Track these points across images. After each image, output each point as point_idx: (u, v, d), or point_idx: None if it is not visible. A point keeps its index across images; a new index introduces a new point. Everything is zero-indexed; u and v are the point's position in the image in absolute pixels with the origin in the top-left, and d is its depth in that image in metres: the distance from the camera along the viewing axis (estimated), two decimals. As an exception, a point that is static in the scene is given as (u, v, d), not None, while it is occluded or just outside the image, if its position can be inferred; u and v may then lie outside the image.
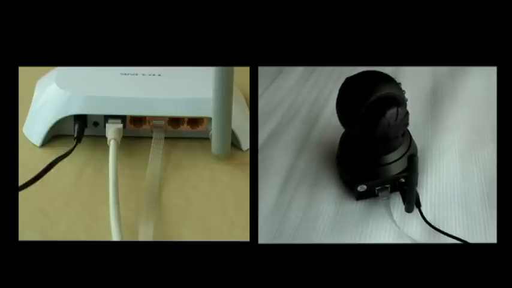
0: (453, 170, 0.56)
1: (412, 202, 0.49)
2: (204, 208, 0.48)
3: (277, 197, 0.56)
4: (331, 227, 0.51)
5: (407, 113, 0.49)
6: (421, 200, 0.50)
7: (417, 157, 0.47)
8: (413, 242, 0.48)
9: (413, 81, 0.74)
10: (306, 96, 0.76)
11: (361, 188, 0.52)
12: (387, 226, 0.50)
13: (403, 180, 0.51)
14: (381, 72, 0.52)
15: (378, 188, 0.52)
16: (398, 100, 0.49)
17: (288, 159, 0.62)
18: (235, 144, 0.53)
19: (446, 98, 0.69)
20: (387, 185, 0.52)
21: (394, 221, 0.50)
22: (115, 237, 0.43)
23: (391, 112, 0.48)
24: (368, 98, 0.49)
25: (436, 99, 0.70)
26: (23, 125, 0.53)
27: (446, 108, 0.67)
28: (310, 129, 0.68)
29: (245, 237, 0.46)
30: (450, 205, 0.52)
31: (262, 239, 0.51)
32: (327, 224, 0.52)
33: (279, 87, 0.80)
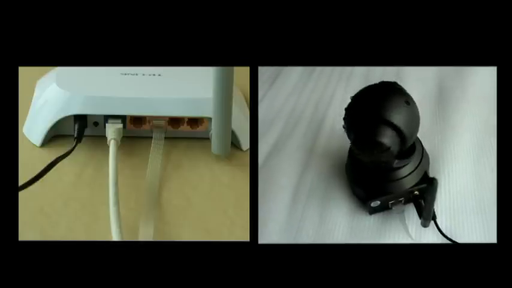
0: (466, 174, 0.55)
1: (428, 219, 0.48)
2: (204, 208, 0.48)
3: (287, 214, 0.54)
4: (347, 241, 0.50)
5: (387, 149, 0.47)
6: (436, 208, 0.49)
7: (437, 180, 0.45)
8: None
9: (419, 79, 0.72)
10: (307, 101, 0.73)
11: (375, 203, 0.50)
12: (404, 239, 0.49)
13: (417, 193, 0.49)
14: (397, 91, 0.49)
15: (391, 202, 0.50)
16: (387, 131, 0.47)
17: (295, 173, 0.60)
18: (235, 144, 0.53)
19: (454, 98, 0.67)
20: (401, 199, 0.50)
21: (410, 236, 0.49)
22: (115, 237, 0.43)
23: (369, 152, 0.47)
24: (360, 115, 0.48)
25: (443, 99, 0.67)
26: (23, 125, 0.53)
27: (455, 108, 0.65)
28: (315, 137, 0.65)
29: (245, 237, 0.46)
30: (466, 211, 0.51)
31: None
32: (342, 238, 0.50)
33: (277, 92, 0.77)
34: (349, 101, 0.50)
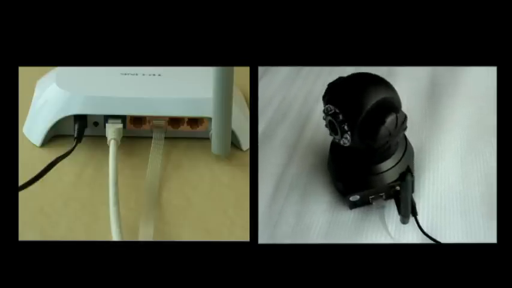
0: (452, 173, 0.54)
1: (407, 216, 0.47)
2: (204, 208, 0.48)
3: (268, 206, 0.55)
4: (324, 238, 0.50)
5: (405, 117, 0.47)
6: (417, 206, 0.48)
7: (410, 174, 0.45)
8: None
9: (411, 74, 0.70)
10: (294, 97, 0.73)
11: (354, 198, 0.50)
12: (382, 236, 0.49)
13: (399, 189, 0.48)
14: (371, 74, 0.49)
15: (371, 196, 0.50)
16: (395, 105, 0.47)
17: (279, 165, 0.60)
18: (235, 144, 0.53)
19: (446, 93, 0.66)
20: (381, 194, 0.50)
21: (389, 233, 0.49)
22: (115, 237, 0.43)
23: (391, 119, 0.45)
24: (363, 106, 0.46)
25: (435, 93, 0.66)
26: (23, 125, 0.53)
27: (446, 104, 0.64)
28: (301, 131, 0.65)
29: (245, 237, 0.46)
30: (448, 212, 0.50)
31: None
32: (320, 234, 0.51)
33: (266, 87, 0.76)
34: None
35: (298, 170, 0.59)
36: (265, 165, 0.60)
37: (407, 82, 0.69)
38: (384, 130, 0.45)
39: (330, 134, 0.49)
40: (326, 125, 0.49)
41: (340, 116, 0.47)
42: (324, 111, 0.48)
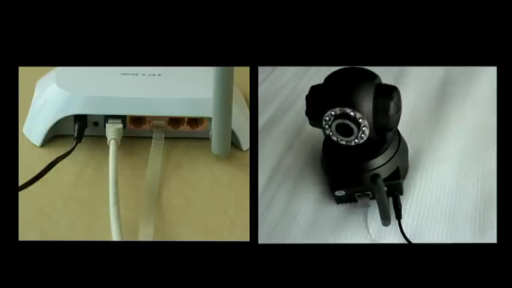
0: (447, 179, 0.52)
1: (385, 218, 0.47)
2: (204, 208, 0.48)
3: (260, 195, 0.56)
4: (307, 229, 0.51)
5: (399, 91, 0.47)
6: (405, 208, 0.48)
7: (380, 177, 0.44)
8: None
9: (421, 74, 0.68)
10: (303, 90, 0.73)
11: (339, 193, 0.50)
12: (362, 235, 0.49)
13: (386, 189, 0.47)
14: (352, 68, 0.48)
15: (358, 194, 0.50)
16: (387, 84, 0.47)
17: (276, 155, 0.61)
18: (235, 144, 0.53)
19: (456, 93, 0.64)
20: (368, 192, 0.50)
21: (369, 234, 0.49)
22: (115, 237, 0.43)
23: (396, 94, 0.45)
24: (367, 94, 0.45)
25: (445, 93, 0.64)
26: (23, 125, 0.53)
27: (453, 106, 0.62)
28: (303, 124, 0.65)
29: (245, 237, 0.46)
30: (436, 220, 0.49)
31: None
32: (303, 225, 0.51)
33: (273, 83, 0.77)
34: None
35: (295, 161, 0.59)
36: (264, 155, 0.61)
37: (417, 82, 0.67)
38: (394, 105, 0.45)
39: (339, 140, 0.47)
40: (330, 133, 0.47)
41: (351, 113, 0.45)
42: (324, 120, 0.47)
